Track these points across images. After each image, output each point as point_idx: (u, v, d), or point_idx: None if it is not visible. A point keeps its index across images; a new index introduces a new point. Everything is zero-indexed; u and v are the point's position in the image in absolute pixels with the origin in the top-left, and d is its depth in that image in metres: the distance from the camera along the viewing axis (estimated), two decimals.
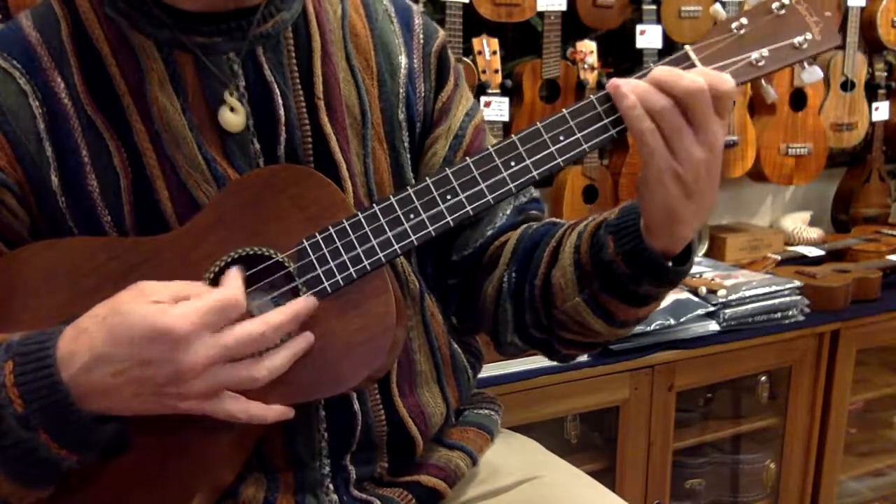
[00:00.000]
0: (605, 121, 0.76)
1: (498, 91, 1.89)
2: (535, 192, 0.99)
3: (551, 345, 0.91)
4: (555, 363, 1.62)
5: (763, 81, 0.79)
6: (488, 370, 1.54)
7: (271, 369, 0.73)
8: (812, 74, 0.80)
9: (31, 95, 0.78)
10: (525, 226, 0.94)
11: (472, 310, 0.96)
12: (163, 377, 0.69)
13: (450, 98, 0.94)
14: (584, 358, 1.65)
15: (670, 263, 0.79)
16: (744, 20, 0.77)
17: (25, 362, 0.69)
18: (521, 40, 2.02)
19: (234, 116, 0.81)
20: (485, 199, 0.77)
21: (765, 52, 0.77)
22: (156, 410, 0.72)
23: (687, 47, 0.78)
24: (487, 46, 1.87)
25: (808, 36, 0.77)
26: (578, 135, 0.76)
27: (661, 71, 0.73)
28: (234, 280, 0.74)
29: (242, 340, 0.71)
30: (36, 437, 0.69)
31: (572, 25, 1.97)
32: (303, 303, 0.75)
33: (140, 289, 0.71)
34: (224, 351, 0.70)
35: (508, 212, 0.95)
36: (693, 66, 0.76)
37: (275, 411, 0.74)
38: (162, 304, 0.69)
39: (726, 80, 0.73)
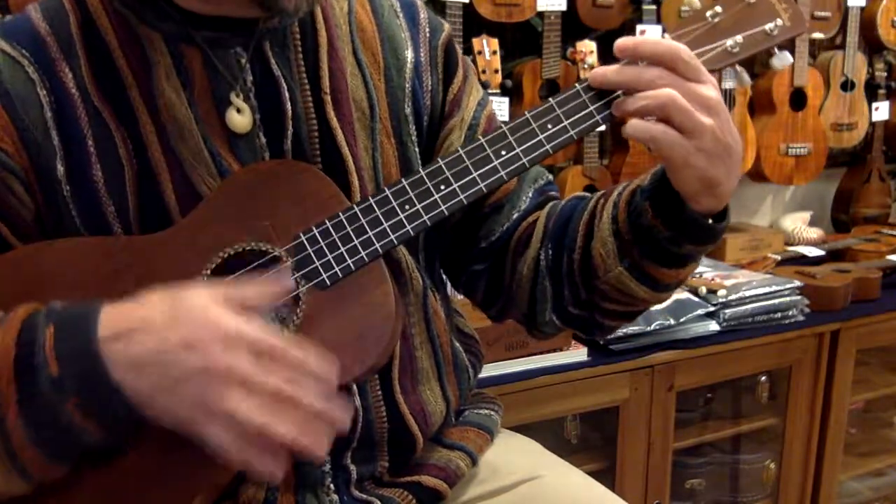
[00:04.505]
0: (591, 108, 0.79)
1: (498, 91, 1.89)
2: (549, 175, 1.01)
3: (592, 319, 0.91)
4: (555, 363, 1.66)
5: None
6: (488, 370, 1.54)
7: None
8: (782, 59, 0.83)
9: (39, 84, 0.79)
10: (551, 204, 0.95)
11: (503, 293, 0.97)
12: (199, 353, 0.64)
13: (460, 89, 0.95)
14: (584, 358, 1.65)
15: (710, 221, 0.80)
16: (718, 8, 0.81)
17: (65, 327, 0.67)
18: (521, 40, 2.02)
19: (240, 118, 0.82)
20: (477, 188, 0.79)
21: (739, 38, 0.81)
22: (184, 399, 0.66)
23: (666, 35, 0.81)
24: (487, 46, 1.87)
25: (779, 22, 0.81)
26: (565, 122, 0.79)
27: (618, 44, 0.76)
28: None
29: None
30: (64, 403, 0.65)
31: (572, 25, 1.97)
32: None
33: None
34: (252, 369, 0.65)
35: (531, 194, 0.96)
36: None
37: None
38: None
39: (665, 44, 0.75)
